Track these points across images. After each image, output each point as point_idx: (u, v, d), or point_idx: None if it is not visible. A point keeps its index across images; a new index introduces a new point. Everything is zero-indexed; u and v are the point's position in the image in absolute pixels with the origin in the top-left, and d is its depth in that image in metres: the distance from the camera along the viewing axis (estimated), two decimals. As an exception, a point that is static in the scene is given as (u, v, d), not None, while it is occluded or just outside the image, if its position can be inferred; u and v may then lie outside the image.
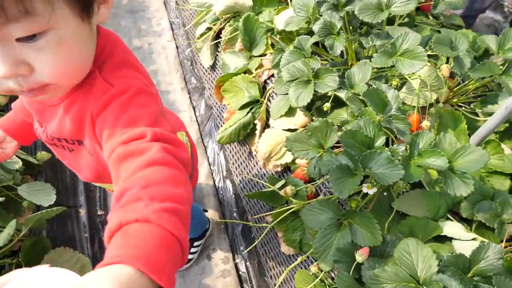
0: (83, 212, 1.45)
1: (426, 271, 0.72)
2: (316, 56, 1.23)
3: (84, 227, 1.42)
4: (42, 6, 0.45)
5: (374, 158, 0.89)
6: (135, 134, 0.53)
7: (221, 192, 1.55)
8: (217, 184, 1.58)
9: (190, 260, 1.40)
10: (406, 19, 1.34)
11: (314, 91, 1.10)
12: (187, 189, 0.50)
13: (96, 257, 1.38)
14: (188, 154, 0.64)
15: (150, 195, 0.45)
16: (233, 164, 1.49)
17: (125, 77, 0.61)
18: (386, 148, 0.95)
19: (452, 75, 1.17)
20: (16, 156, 1.18)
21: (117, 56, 0.63)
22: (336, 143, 1.02)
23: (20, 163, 1.18)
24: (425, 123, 1.06)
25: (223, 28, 1.50)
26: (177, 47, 2.07)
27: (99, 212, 1.49)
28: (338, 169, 0.87)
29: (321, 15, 1.18)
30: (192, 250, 1.40)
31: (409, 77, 1.11)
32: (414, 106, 1.10)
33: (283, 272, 1.19)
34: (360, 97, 1.11)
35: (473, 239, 0.84)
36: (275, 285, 1.24)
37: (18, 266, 1.07)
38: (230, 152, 1.51)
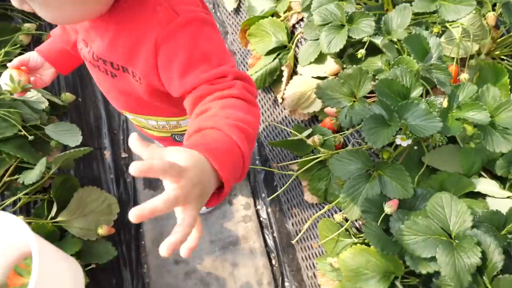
0: (108, 154, 1.47)
1: (459, 225, 0.72)
2: (352, -2, 1.15)
3: (109, 169, 1.44)
4: None
5: (411, 109, 0.85)
6: (217, 73, 0.57)
7: (244, 139, 1.54)
8: (239, 131, 1.57)
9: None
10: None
11: (348, 36, 1.05)
12: (257, 119, 0.56)
13: (121, 198, 1.42)
14: (254, 85, 0.64)
15: (225, 114, 0.51)
16: (257, 111, 1.46)
17: (188, 4, 0.60)
18: (423, 100, 0.91)
19: (497, 25, 1.09)
20: (42, 96, 1.18)
21: None
22: (369, 93, 0.98)
23: (47, 103, 1.18)
24: (464, 76, 1.01)
25: (250, -34, 1.41)
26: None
27: (123, 155, 1.50)
28: (372, 118, 0.85)
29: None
30: (214, 195, 1.42)
31: (450, 25, 1.04)
32: (453, 58, 1.04)
33: (305, 220, 1.21)
34: (397, 45, 1.05)
35: (508, 197, 0.82)
36: (296, 232, 1.27)
37: (50, 202, 1.10)
38: (254, 99, 1.48)
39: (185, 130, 0.92)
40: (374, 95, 1.02)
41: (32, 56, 0.84)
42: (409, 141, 0.85)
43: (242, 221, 1.44)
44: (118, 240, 1.30)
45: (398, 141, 0.86)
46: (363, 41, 1.03)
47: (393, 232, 0.81)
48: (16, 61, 0.82)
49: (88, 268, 1.06)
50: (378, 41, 1.03)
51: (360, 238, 0.91)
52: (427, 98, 0.94)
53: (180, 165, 0.41)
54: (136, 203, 1.44)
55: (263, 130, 1.44)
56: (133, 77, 0.69)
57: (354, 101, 0.98)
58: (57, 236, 1.08)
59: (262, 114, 1.43)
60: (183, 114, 0.91)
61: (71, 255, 1.03)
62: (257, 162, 1.46)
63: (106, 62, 0.70)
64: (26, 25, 1.36)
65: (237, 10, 1.63)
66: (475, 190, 0.86)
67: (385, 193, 0.87)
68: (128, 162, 1.51)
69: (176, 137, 1.04)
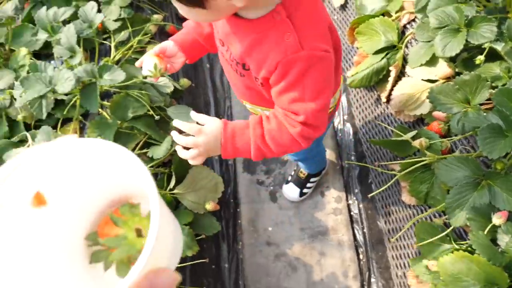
0: (213, 137, 1.61)
1: None
2: (471, 1, 1.13)
3: (214, 151, 1.59)
4: None
5: (531, 122, 0.83)
6: (294, 110, 0.72)
7: (340, 134, 1.58)
8: (336, 126, 1.61)
9: (305, 194, 1.50)
10: None
11: (466, 41, 1.03)
12: (291, 150, 0.77)
13: (224, 178, 1.55)
14: (321, 132, 0.77)
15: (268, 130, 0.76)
16: (357, 108, 1.49)
17: (314, 39, 0.69)
18: (545, 112, 0.88)
19: None
20: (169, 81, 1.34)
21: (307, 12, 0.69)
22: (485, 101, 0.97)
23: (172, 88, 1.33)
24: None
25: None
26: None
27: (226, 139, 1.64)
28: (489, 128, 0.85)
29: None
30: (308, 185, 1.49)
31: None
32: None
33: (399, 219, 1.22)
34: (520, 52, 1.01)
35: None
36: (388, 230, 1.29)
37: (169, 175, 1.26)
38: (355, 96, 1.51)
39: None
40: (488, 102, 1.00)
41: (169, 45, 0.96)
42: (528, 154, 0.83)
43: (333, 213, 1.49)
44: (219, 216, 1.44)
45: (514, 152, 0.84)
46: (483, 46, 1.01)
47: (500, 243, 0.81)
48: (157, 48, 0.95)
49: (198, 238, 1.20)
50: (499, 47, 1.00)
51: (462, 245, 0.92)
52: (551, 110, 0.90)
53: (202, 128, 0.74)
54: (236, 183, 1.57)
55: (362, 127, 1.46)
56: (255, 80, 0.80)
57: (467, 108, 0.97)
58: (173, 206, 1.24)
59: (362, 111, 1.46)
60: None
61: (184, 224, 1.18)
62: (352, 158, 1.49)
63: (239, 64, 0.80)
64: (155, 16, 1.53)
65: (343, 6, 1.66)
66: None
67: (494, 203, 0.86)
68: (230, 146, 1.64)
69: None
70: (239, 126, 0.77)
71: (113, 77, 1.22)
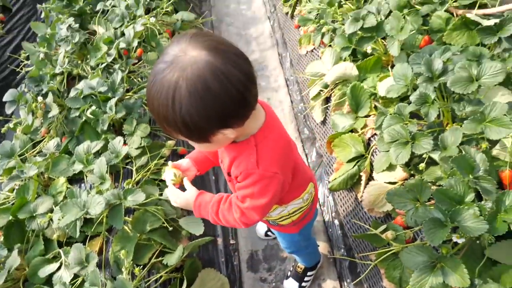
0: (220, 240, 1.84)
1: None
2: (414, 119, 1.45)
3: (220, 253, 1.80)
4: (175, 136, 0.91)
5: (462, 213, 1.08)
6: (242, 200, 1.02)
7: (330, 230, 1.81)
8: (326, 223, 1.85)
9: (303, 287, 1.67)
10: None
11: (411, 151, 1.32)
12: (235, 226, 1.10)
13: (230, 278, 1.74)
14: (253, 222, 1.07)
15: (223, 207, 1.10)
16: (341, 206, 1.74)
17: (268, 163, 0.98)
18: (475, 204, 1.12)
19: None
20: (180, 197, 1.61)
21: (269, 145, 0.98)
22: (430, 198, 1.22)
23: (183, 202, 1.60)
24: (517, 181, 1.20)
25: (332, 92, 1.80)
26: (291, 102, 2.43)
27: (231, 241, 1.86)
28: (431, 221, 1.08)
29: (417, 86, 1.41)
30: (306, 278, 1.67)
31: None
32: (507, 162, 1.24)
33: (385, 304, 1.39)
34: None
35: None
36: (378, 315, 1.44)
37: (181, 280, 1.46)
38: (339, 196, 1.77)
39: (275, 219, 1.27)
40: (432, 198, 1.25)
41: (184, 161, 1.25)
42: (463, 239, 1.06)
43: (330, 303, 1.65)
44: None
45: (454, 238, 1.07)
46: (423, 156, 1.30)
47: (454, 315, 0.99)
48: (176, 163, 1.24)
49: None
50: (435, 155, 1.29)
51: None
52: (480, 202, 1.15)
53: (180, 195, 1.15)
54: (241, 282, 1.75)
55: (347, 223, 1.70)
56: (235, 179, 1.08)
57: (418, 205, 1.22)
58: (186, 307, 1.42)
59: (346, 209, 1.71)
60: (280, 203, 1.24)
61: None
62: (342, 250, 1.70)
63: (226, 172, 1.09)
64: (169, 142, 1.87)
65: (323, 122, 2.01)
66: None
67: (447, 282, 1.06)
68: (235, 247, 1.86)
69: (269, 221, 1.35)
70: (205, 201, 1.11)
71: (135, 198, 1.50)
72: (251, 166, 0.97)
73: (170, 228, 1.53)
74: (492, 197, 1.10)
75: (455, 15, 1.69)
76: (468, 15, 1.60)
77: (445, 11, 1.68)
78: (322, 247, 1.78)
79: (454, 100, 1.39)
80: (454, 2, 1.72)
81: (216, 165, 1.27)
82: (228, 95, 0.80)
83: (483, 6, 1.77)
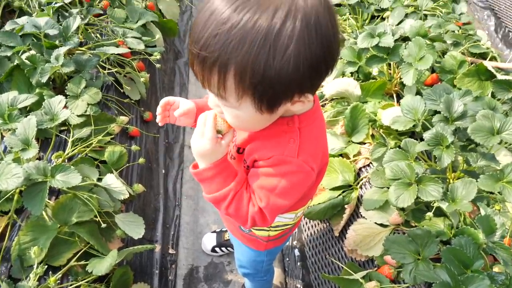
0: (158, 248, 1.52)
1: None
2: (420, 161, 1.28)
3: (156, 263, 1.48)
4: (233, 99, 0.66)
5: (476, 282, 0.91)
6: (259, 195, 0.77)
7: (287, 259, 1.58)
8: (283, 249, 1.62)
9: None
10: None
11: (417, 196, 1.15)
12: (238, 219, 0.80)
13: (162, 295, 1.43)
14: (266, 224, 0.81)
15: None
16: (308, 236, 1.53)
17: (308, 155, 0.75)
18: (484, 273, 0.97)
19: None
20: (125, 188, 1.28)
21: (313, 133, 0.78)
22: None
23: (127, 195, 1.27)
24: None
25: (324, 107, 1.59)
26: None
27: (171, 251, 1.55)
28: (440, 285, 0.90)
29: (431, 124, 1.25)
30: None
31: None
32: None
33: None
34: (460, 213, 1.14)
35: None
36: None
37: (106, 294, 1.13)
38: (307, 223, 1.55)
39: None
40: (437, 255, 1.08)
41: (189, 103, 0.93)
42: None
43: None
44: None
45: (464, 313, 0.89)
46: (432, 204, 1.12)
47: None
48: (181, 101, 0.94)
49: None
50: (444, 206, 1.12)
51: None
52: (491, 272, 0.99)
53: (217, 140, 0.76)
54: (174, 303, 1.45)
55: (312, 256, 1.48)
56: (243, 162, 0.84)
57: (418, 259, 1.04)
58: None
59: (313, 240, 1.49)
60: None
61: None
62: (299, 286, 1.47)
63: (235, 146, 0.85)
64: (121, 117, 1.52)
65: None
66: None
67: None
68: (174, 259, 1.55)
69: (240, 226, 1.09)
70: (229, 171, 0.79)
71: (67, 179, 1.14)
72: (290, 152, 0.74)
73: (103, 225, 1.19)
74: (509, 269, 0.95)
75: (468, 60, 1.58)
76: (484, 63, 1.50)
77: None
78: (275, 276, 1.54)
79: (467, 150, 1.25)
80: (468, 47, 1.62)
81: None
82: (332, 40, 0.63)
83: (492, 59, 1.70)
